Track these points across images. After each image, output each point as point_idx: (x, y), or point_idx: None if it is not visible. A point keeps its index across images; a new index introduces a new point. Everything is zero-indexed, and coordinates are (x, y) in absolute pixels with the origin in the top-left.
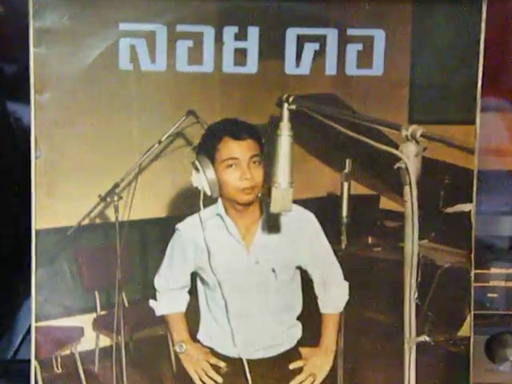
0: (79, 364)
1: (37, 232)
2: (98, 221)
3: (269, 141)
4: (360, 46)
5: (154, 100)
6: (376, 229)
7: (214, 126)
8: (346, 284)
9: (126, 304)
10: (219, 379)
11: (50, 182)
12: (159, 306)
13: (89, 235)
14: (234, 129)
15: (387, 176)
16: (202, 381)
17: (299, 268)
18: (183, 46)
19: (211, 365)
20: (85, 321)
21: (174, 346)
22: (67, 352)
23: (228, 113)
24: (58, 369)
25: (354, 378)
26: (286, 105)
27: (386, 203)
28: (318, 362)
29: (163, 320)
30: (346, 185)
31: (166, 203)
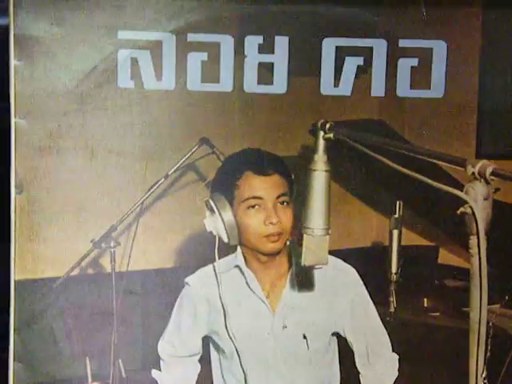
0: None
1: (16, 283)
2: (90, 271)
3: (300, 177)
4: (415, 61)
5: (160, 125)
6: (433, 289)
7: (232, 158)
8: (396, 357)
9: (123, 374)
10: None
11: (33, 224)
12: (164, 378)
13: (79, 288)
14: (258, 161)
15: (448, 223)
16: None
17: (336, 335)
18: (196, 60)
19: None
20: None
21: None
22: None
23: (250, 142)
24: None
25: None
26: (321, 133)
27: (446, 257)
28: None
29: None
30: (395, 233)
31: (173, 251)
